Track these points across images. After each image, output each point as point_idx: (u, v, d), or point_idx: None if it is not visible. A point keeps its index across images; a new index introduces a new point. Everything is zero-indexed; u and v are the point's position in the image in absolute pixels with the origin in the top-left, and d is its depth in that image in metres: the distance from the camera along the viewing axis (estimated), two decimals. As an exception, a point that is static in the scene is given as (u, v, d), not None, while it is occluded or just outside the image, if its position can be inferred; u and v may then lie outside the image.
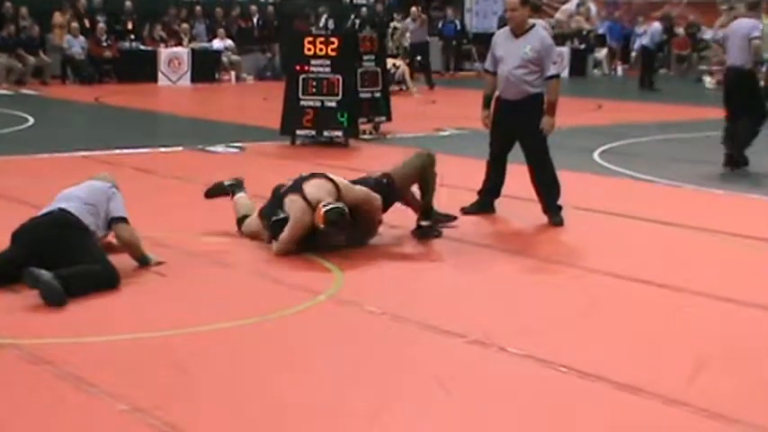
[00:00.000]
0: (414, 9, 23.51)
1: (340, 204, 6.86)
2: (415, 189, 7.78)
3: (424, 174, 7.62)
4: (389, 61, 21.05)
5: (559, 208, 8.27)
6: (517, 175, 8.55)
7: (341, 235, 6.99)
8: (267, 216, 7.17)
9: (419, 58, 23.76)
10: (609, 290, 6.37)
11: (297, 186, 7.06)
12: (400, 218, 7.74)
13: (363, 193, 7.17)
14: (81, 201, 6.35)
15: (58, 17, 22.57)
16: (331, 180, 7.09)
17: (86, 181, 6.74)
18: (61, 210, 6.23)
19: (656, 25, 23.92)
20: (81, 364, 4.75)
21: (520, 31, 8.25)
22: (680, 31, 29.41)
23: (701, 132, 15.24)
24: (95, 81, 21.87)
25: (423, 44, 23.17)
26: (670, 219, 8.44)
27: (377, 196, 7.22)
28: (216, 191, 7.95)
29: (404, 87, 20.44)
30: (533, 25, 8.39)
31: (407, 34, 25.09)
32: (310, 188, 6.98)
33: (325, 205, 6.79)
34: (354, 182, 7.42)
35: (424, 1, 32.90)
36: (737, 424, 4.26)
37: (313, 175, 7.17)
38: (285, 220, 6.94)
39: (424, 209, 7.67)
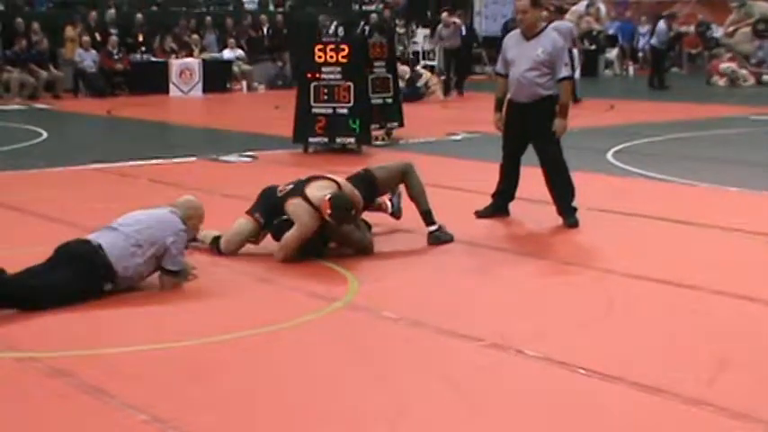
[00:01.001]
0: (445, 15, 23.44)
1: (340, 192, 6.93)
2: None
3: (406, 179, 7.63)
4: (422, 79, 21.18)
5: (574, 209, 8.25)
6: (531, 178, 8.53)
7: (350, 224, 6.99)
8: (262, 214, 7.13)
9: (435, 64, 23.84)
10: (626, 290, 6.34)
11: (298, 190, 7.04)
12: (412, 221, 7.73)
13: (360, 197, 7.20)
14: (130, 241, 6.07)
15: (69, 31, 22.67)
16: (332, 180, 7.13)
17: (161, 208, 6.46)
18: (98, 247, 6.01)
19: (661, 24, 23.89)
20: (100, 376, 4.75)
21: (531, 33, 8.22)
22: (690, 29, 29.32)
23: (713, 131, 15.21)
24: (107, 94, 21.94)
25: (456, 50, 23.09)
26: (686, 218, 8.41)
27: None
28: None
29: (435, 93, 20.51)
30: (545, 27, 8.37)
31: (425, 40, 25.18)
32: (312, 190, 6.99)
33: (328, 195, 6.85)
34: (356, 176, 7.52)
35: (434, 5, 32.97)
36: (760, 423, 4.22)
37: (313, 178, 7.17)
38: (290, 222, 6.95)
39: (425, 214, 7.61)
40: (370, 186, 7.52)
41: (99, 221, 8.23)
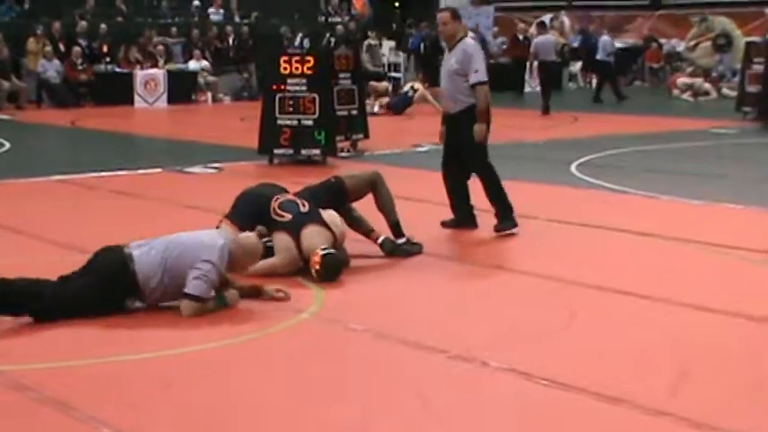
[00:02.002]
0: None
1: (335, 251, 6.83)
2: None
3: (374, 188, 7.61)
4: (407, 85, 21.19)
5: (510, 212, 8.31)
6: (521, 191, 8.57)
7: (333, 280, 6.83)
8: (246, 223, 6.93)
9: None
10: (589, 301, 6.40)
11: (294, 227, 6.85)
12: (381, 232, 7.74)
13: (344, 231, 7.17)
14: (159, 257, 5.90)
15: (32, 44, 22.38)
16: (329, 229, 6.96)
17: (218, 233, 6.36)
18: (128, 257, 5.92)
19: (606, 38, 24.13)
20: (63, 389, 4.73)
21: (451, 44, 8.42)
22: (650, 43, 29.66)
23: (675, 144, 15.38)
24: (71, 104, 21.79)
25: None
26: (648, 230, 8.49)
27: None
28: None
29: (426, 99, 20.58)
30: (461, 38, 8.46)
31: (391, 52, 25.26)
32: (308, 236, 6.83)
33: (322, 249, 6.74)
34: (302, 190, 7.42)
35: (399, 18, 33.11)
36: (720, 432, 4.28)
37: (310, 219, 6.93)
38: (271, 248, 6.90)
39: (394, 226, 7.59)
40: (340, 194, 7.50)
41: (62, 234, 8.23)
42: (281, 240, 6.90)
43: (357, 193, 7.67)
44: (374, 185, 7.65)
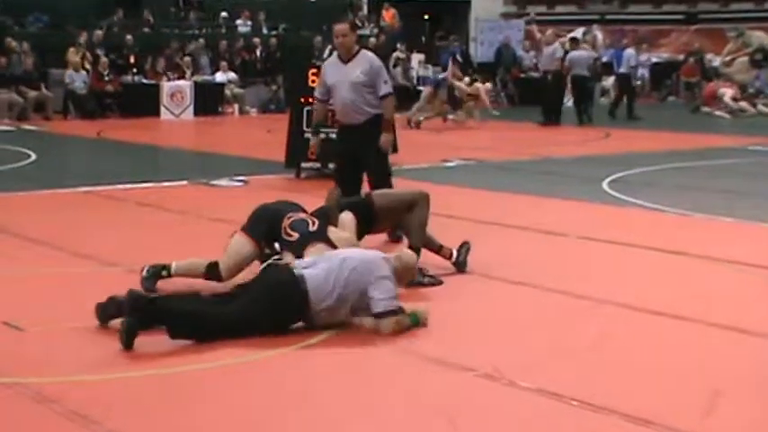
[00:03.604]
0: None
1: None
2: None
3: (411, 209, 7.43)
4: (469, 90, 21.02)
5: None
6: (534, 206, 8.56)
7: None
8: (263, 239, 6.91)
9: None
10: (620, 321, 6.37)
11: (298, 248, 6.66)
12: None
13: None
14: (331, 278, 5.86)
15: (72, 54, 22.34)
16: (333, 245, 6.72)
17: (364, 249, 6.37)
18: (300, 278, 5.84)
19: (629, 51, 23.84)
20: (85, 402, 4.76)
21: (348, 56, 8.54)
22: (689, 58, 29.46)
23: (710, 161, 15.28)
24: (97, 115, 21.99)
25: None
26: (680, 248, 8.44)
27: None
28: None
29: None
30: (359, 49, 8.68)
31: (420, 65, 25.30)
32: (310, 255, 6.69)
33: None
34: (319, 208, 7.23)
35: (428, 31, 33.18)
36: (753, 456, 4.25)
37: (316, 239, 6.73)
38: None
39: (412, 250, 7.14)
40: (366, 213, 7.36)
41: (86, 245, 8.29)
42: (284, 255, 6.82)
43: (387, 216, 7.51)
44: (413, 207, 7.47)
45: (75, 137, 19.06)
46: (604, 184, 12.34)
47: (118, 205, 10.77)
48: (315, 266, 5.95)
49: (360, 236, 7.18)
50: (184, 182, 12.40)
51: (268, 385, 5.14)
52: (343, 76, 8.51)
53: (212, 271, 6.88)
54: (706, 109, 25.33)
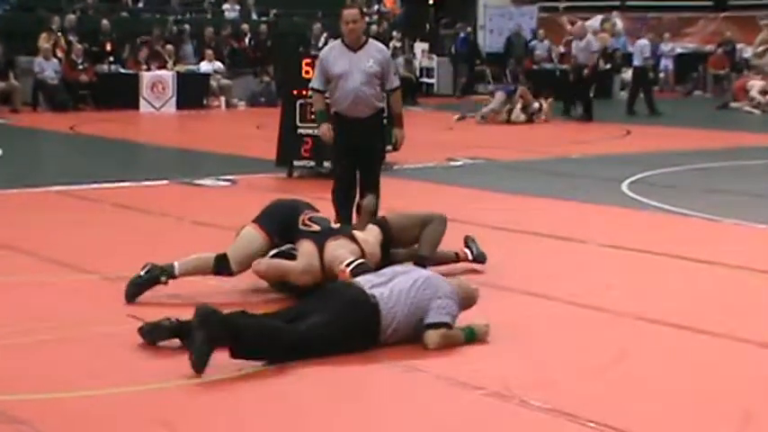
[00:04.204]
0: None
1: (365, 261, 6.84)
2: None
3: (424, 227, 7.64)
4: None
5: None
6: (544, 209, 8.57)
7: None
8: (276, 234, 7.08)
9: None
10: (641, 336, 6.38)
11: (320, 239, 6.96)
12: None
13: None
14: (398, 298, 5.92)
15: (43, 40, 22.37)
16: (357, 242, 7.05)
17: (428, 272, 6.42)
18: (372, 297, 5.88)
19: (643, 41, 23.72)
20: (58, 423, 4.76)
21: (358, 44, 8.53)
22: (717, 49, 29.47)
23: (738, 161, 15.29)
24: (70, 108, 21.98)
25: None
26: (707, 257, 8.45)
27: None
28: (135, 290, 6.87)
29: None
30: (367, 38, 8.71)
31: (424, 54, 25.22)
32: (332, 246, 6.91)
33: (348, 264, 6.73)
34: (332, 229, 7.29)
35: (433, 18, 33.19)
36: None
37: (340, 234, 7.07)
38: (286, 255, 6.99)
39: (419, 258, 7.48)
40: (384, 237, 7.45)
41: (59, 251, 8.29)
42: (306, 247, 6.96)
43: (401, 236, 7.62)
44: (426, 225, 7.65)
45: (45, 131, 19.06)
46: (624, 186, 12.35)
47: (93, 206, 10.77)
48: (385, 289, 5.98)
49: (383, 257, 7.26)
50: (165, 181, 12.40)
51: (262, 404, 5.14)
52: (354, 66, 8.46)
53: (221, 264, 6.99)
54: (735, 104, 25.32)
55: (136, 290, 6.81)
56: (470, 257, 7.93)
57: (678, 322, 6.57)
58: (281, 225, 7.11)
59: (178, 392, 5.25)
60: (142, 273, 6.87)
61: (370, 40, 8.76)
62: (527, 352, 6.05)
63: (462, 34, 29.13)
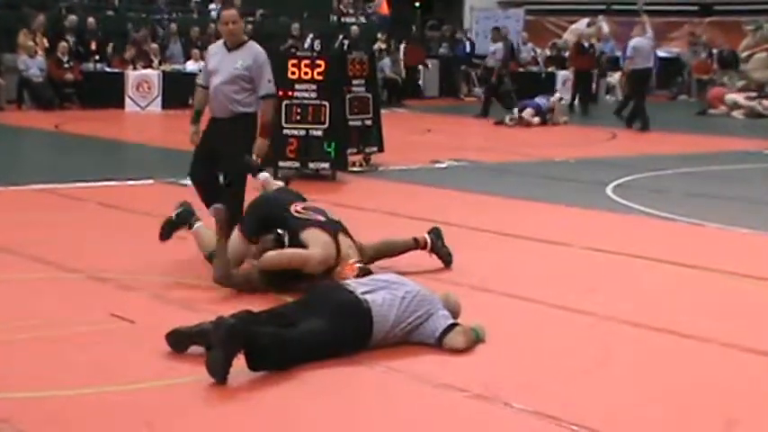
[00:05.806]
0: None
1: (369, 267, 7.03)
2: None
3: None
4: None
5: None
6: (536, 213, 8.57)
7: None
8: (249, 229, 7.22)
9: None
10: (625, 339, 6.38)
11: (332, 228, 7.10)
12: (391, 264, 7.76)
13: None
14: (395, 305, 5.93)
15: (23, 38, 22.27)
16: (359, 245, 7.30)
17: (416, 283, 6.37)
18: (364, 302, 5.86)
19: (643, 41, 22.73)
20: (37, 423, 4.73)
21: (235, 44, 8.47)
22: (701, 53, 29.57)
23: (724, 165, 15.35)
24: (55, 106, 21.90)
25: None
26: (692, 261, 8.47)
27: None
28: (169, 229, 7.78)
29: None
30: (247, 40, 8.60)
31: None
32: (344, 246, 7.08)
33: (358, 263, 6.93)
34: None
35: (419, 21, 33.22)
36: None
37: (345, 233, 7.23)
38: (290, 243, 7.05)
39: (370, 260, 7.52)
40: None
41: (42, 249, 8.26)
42: (319, 236, 7.02)
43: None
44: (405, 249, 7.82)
45: (30, 129, 18.99)
46: (608, 190, 12.38)
47: (77, 205, 10.74)
48: (376, 295, 5.97)
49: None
50: (151, 180, 12.38)
51: (243, 405, 5.12)
52: (224, 65, 8.41)
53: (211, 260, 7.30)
54: (713, 111, 25.39)
55: (171, 229, 7.74)
56: (429, 247, 7.87)
57: (662, 326, 6.58)
58: (261, 224, 7.25)
59: (160, 392, 5.22)
60: (174, 215, 7.69)
61: (250, 43, 8.56)
62: (510, 355, 6.06)
63: (466, 41, 29.27)
